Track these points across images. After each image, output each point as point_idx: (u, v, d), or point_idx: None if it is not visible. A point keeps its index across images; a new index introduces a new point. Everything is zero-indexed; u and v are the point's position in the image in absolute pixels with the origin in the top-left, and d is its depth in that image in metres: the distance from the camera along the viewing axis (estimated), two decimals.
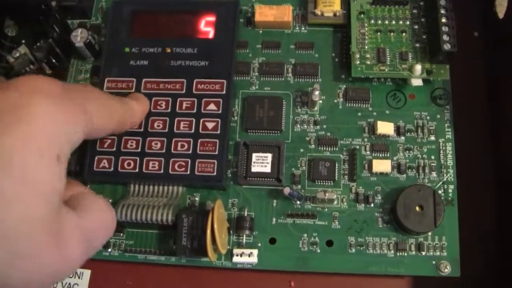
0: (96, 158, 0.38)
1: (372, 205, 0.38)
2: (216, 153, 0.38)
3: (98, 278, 0.40)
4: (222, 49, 0.40)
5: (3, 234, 0.21)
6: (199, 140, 0.38)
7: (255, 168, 0.38)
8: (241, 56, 0.42)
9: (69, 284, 0.40)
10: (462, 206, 0.37)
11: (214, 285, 0.39)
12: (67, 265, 0.25)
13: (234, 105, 0.41)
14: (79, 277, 0.40)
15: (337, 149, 0.39)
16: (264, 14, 0.42)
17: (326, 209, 0.38)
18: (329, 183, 0.38)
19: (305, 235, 0.37)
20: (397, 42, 0.40)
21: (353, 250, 0.37)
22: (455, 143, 0.39)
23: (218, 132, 0.38)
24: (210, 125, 0.38)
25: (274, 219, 0.38)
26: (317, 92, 0.39)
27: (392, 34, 0.40)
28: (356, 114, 0.40)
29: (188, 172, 0.38)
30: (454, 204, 0.37)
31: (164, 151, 0.38)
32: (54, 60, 0.41)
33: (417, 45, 0.40)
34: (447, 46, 0.38)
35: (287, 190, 0.36)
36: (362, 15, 0.41)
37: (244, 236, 0.37)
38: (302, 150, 0.39)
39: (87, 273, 0.40)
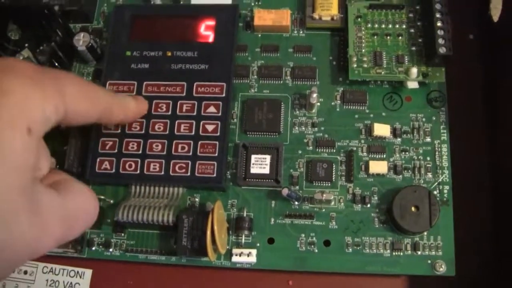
0: (98, 159, 0.39)
1: (368, 205, 0.38)
2: (216, 155, 0.38)
3: (99, 278, 0.41)
4: (222, 53, 0.41)
5: None
6: (199, 142, 0.39)
7: (254, 170, 0.39)
8: (240, 60, 0.43)
9: (71, 283, 0.40)
10: (458, 207, 0.38)
11: (214, 284, 0.40)
12: (43, 238, 0.24)
13: (234, 108, 0.41)
14: (80, 277, 0.41)
15: (334, 150, 0.40)
16: (263, 18, 0.42)
17: (324, 210, 0.38)
18: (327, 184, 0.39)
19: (303, 235, 0.38)
20: (393, 45, 0.41)
21: (350, 250, 0.38)
22: (451, 145, 0.39)
23: (218, 134, 0.39)
24: (210, 127, 0.39)
25: (272, 220, 0.39)
26: (315, 95, 0.39)
27: (388, 37, 0.41)
28: (353, 116, 0.41)
29: (189, 174, 0.38)
30: (449, 205, 0.38)
31: (164, 153, 0.39)
32: (56, 64, 0.41)
33: (413, 48, 0.41)
34: (442, 50, 0.38)
35: (285, 191, 0.37)
36: (359, 19, 0.42)
37: (243, 236, 0.38)
38: (300, 152, 0.40)
39: (88, 272, 0.41)
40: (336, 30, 0.43)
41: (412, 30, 0.41)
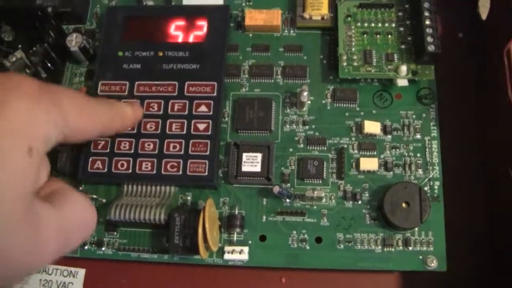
0: (90, 159, 0.39)
1: (359, 202, 0.39)
2: (208, 153, 0.39)
3: (92, 277, 0.41)
4: (213, 53, 0.41)
5: None
6: (191, 141, 0.39)
7: (245, 168, 0.39)
8: (231, 59, 0.43)
9: (64, 283, 0.41)
10: (448, 202, 0.38)
11: (206, 282, 0.40)
12: (40, 252, 0.24)
13: (225, 107, 0.42)
14: (73, 276, 0.41)
15: (325, 148, 0.40)
16: (254, 18, 0.43)
17: (315, 207, 0.39)
18: (318, 182, 0.39)
19: (295, 232, 0.38)
20: (383, 44, 0.41)
21: (342, 246, 0.38)
22: (441, 141, 0.40)
23: (209, 133, 0.39)
24: (201, 126, 0.39)
25: (264, 217, 0.39)
26: (305, 93, 0.40)
27: (378, 36, 0.42)
28: (343, 114, 0.41)
29: (180, 172, 0.38)
30: (440, 201, 0.38)
31: (156, 152, 0.39)
32: (49, 64, 0.42)
33: (403, 46, 0.41)
34: (431, 48, 0.39)
35: (276, 189, 0.37)
36: (349, 18, 0.42)
37: (235, 234, 0.38)
38: (291, 150, 0.40)
39: (81, 272, 0.41)
40: (326, 29, 0.43)
41: (401, 29, 0.42)
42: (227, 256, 0.38)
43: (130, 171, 0.39)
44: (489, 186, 0.41)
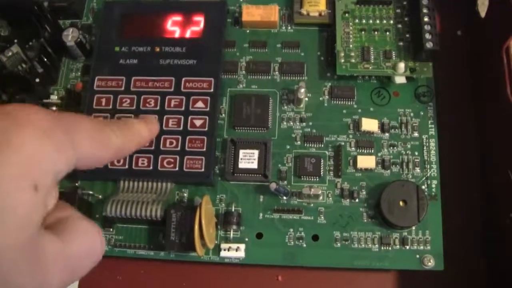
0: None
1: (357, 200, 0.38)
2: (204, 150, 0.38)
3: (88, 274, 0.40)
4: (210, 48, 0.41)
5: None
6: (188, 137, 0.39)
7: (242, 165, 0.39)
8: (228, 55, 0.43)
9: None
10: (446, 201, 0.38)
11: (202, 279, 0.40)
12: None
13: (222, 103, 0.41)
14: None
15: (322, 145, 0.40)
16: (251, 14, 0.43)
17: (312, 205, 0.38)
18: (315, 179, 0.39)
19: (292, 230, 0.38)
20: (381, 40, 0.41)
21: (339, 244, 0.38)
22: (439, 140, 0.40)
23: (206, 129, 0.39)
24: (198, 122, 0.39)
25: (261, 214, 0.39)
26: (302, 90, 0.40)
27: (376, 33, 0.41)
28: (341, 111, 0.41)
29: (177, 169, 0.38)
30: (437, 199, 0.38)
31: (153, 148, 0.39)
32: (45, 59, 0.41)
33: (401, 43, 0.41)
34: (429, 45, 0.38)
35: (273, 186, 0.37)
36: (347, 15, 0.42)
37: (232, 231, 0.38)
38: (288, 147, 0.40)
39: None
40: (324, 26, 0.43)
41: (399, 26, 0.41)
42: (223, 254, 0.38)
43: (127, 167, 0.39)
44: (487, 185, 0.41)
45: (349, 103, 0.41)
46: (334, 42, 0.41)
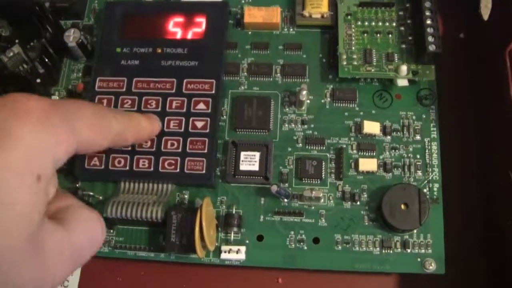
0: (87, 156, 0.39)
1: (358, 203, 0.38)
2: (205, 151, 0.38)
3: (88, 275, 0.40)
4: (212, 50, 0.41)
5: None
6: (189, 139, 0.39)
7: (243, 167, 0.39)
8: (230, 57, 0.43)
9: None
10: (448, 205, 0.38)
11: (203, 281, 0.40)
12: (48, 278, 0.24)
13: (223, 105, 0.41)
14: None
15: (324, 148, 0.40)
16: (253, 15, 0.42)
17: (313, 207, 0.38)
18: (316, 182, 0.39)
19: (292, 232, 0.38)
20: (383, 43, 0.41)
21: (340, 247, 0.37)
22: (441, 143, 0.39)
23: (208, 131, 0.39)
24: (199, 124, 0.39)
25: (261, 217, 0.38)
26: (304, 92, 0.39)
27: (378, 35, 0.41)
28: (343, 113, 0.41)
29: (178, 170, 0.38)
30: (439, 203, 0.38)
31: (154, 149, 0.39)
32: (47, 60, 0.41)
33: (403, 46, 0.41)
34: (432, 47, 0.38)
35: (274, 188, 0.37)
36: (349, 17, 0.42)
37: (232, 233, 0.38)
38: (289, 149, 0.40)
39: (77, 269, 0.41)
40: (326, 28, 0.43)
41: (402, 28, 0.41)
42: (224, 256, 0.38)
43: (128, 168, 0.38)
44: (488, 186, 0.41)
45: (351, 106, 0.41)
46: (336, 44, 0.41)
